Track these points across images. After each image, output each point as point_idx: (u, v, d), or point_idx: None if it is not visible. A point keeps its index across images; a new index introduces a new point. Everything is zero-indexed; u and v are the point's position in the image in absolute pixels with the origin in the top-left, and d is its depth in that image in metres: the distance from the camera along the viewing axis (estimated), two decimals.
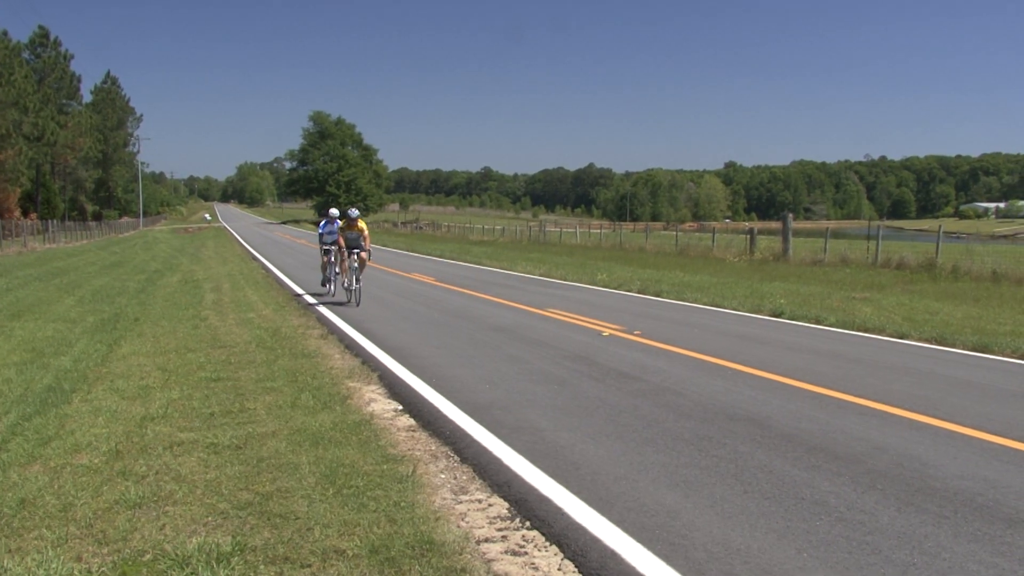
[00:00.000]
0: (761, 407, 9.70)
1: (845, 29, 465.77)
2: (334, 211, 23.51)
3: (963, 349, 14.33)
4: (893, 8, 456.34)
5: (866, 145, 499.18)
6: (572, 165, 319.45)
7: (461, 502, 6.61)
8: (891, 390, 10.68)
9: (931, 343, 14.96)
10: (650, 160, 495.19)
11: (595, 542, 5.71)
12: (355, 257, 21.03)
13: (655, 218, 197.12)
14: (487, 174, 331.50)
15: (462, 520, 6.21)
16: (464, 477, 7.26)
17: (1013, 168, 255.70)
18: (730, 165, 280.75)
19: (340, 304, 20.78)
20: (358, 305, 20.21)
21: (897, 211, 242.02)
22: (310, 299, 22.37)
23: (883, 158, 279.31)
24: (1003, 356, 13.64)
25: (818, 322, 17.49)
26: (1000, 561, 5.42)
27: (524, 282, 28.65)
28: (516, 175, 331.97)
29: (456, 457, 7.85)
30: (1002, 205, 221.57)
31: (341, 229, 21.81)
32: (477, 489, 6.94)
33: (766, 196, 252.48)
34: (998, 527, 6.01)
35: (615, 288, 26.11)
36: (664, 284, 26.50)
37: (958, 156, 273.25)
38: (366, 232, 21.50)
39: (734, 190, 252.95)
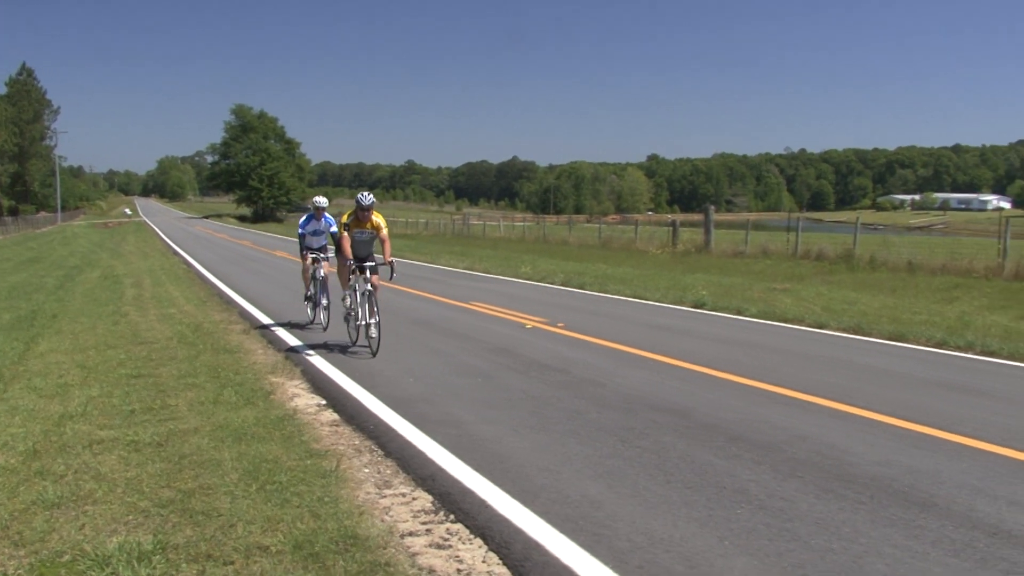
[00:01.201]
0: (684, 398, 9.80)
1: (762, 22, 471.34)
2: (321, 200, 16.10)
3: (880, 338, 14.61)
4: (806, 1, 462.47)
5: (786, 138, 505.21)
6: (496, 158, 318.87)
7: (385, 496, 6.60)
8: (810, 379, 10.86)
9: (849, 332, 15.24)
10: (574, 153, 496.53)
11: (519, 534, 5.73)
12: (367, 275, 13.02)
13: (579, 211, 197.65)
14: (411, 167, 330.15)
15: (386, 514, 6.19)
16: (388, 471, 7.24)
17: (928, 161, 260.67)
18: (653, 158, 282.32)
19: (344, 347, 13.36)
20: (375, 355, 12.52)
21: (816, 203, 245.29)
22: (284, 334, 14.75)
23: (803, 151, 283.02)
24: (918, 344, 13.94)
25: (739, 313, 17.71)
26: (914, 544, 5.55)
27: (447, 275, 28.63)
28: (440, 168, 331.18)
29: (380, 451, 7.83)
30: (917, 197, 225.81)
31: (346, 225, 13.21)
32: (401, 483, 6.93)
33: (688, 188, 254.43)
34: (912, 511, 6.15)
35: (539, 281, 26.22)
36: (587, 277, 26.66)
37: (875, 149, 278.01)
38: (385, 230, 13.25)
39: (657, 183, 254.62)
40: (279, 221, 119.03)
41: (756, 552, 5.41)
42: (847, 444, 7.90)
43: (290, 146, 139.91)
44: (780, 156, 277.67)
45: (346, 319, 13.81)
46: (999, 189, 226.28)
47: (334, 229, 15.58)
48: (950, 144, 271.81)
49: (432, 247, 48.23)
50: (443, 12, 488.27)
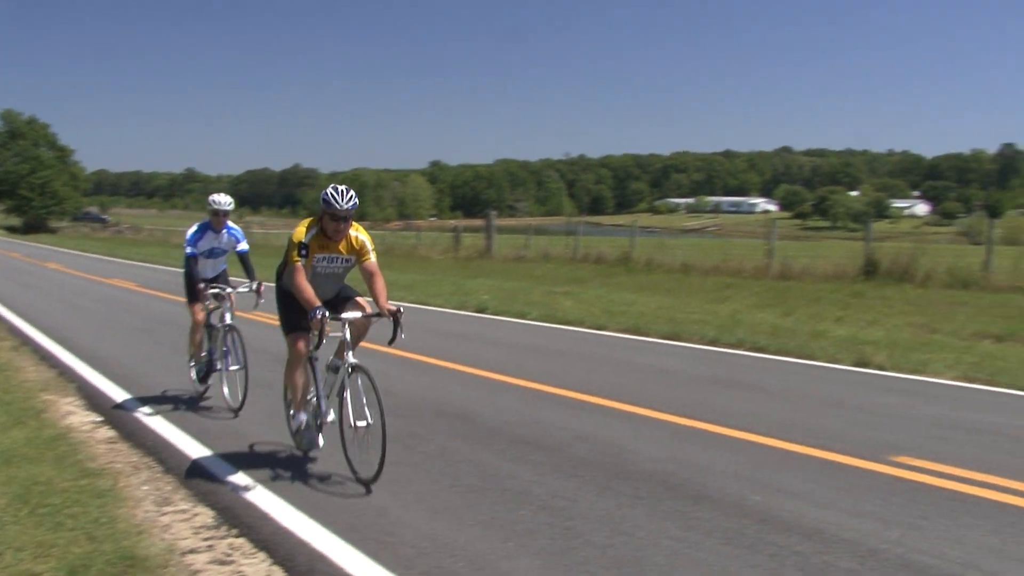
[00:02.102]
0: (468, 402, 9.90)
1: (542, 26, 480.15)
2: (221, 200, 10.18)
3: (657, 338, 15.09)
4: (585, 9, 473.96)
5: (566, 144, 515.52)
6: (278, 165, 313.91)
7: (165, 513, 6.42)
8: (591, 380, 11.13)
9: (628, 333, 15.67)
10: (356, 160, 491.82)
11: (303, 546, 5.67)
12: (345, 335, 7.32)
13: (362, 218, 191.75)
14: (191, 175, 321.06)
15: (166, 532, 6.03)
16: (168, 488, 7.05)
17: (701, 166, 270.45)
18: (435, 164, 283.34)
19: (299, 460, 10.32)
20: (369, 487, 6.85)
21: (596, 207, 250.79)
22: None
23: (582, 156, 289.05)
24: (692, 343, 14.47)
25: (522, 317, 17.98)
26: (689, 535, 5.78)
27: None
28: (220, 176, 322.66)
29: (159, 468, 7.61)
30: (691, 201, 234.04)
31: (302, 247, 7.24)
32: (182, 499, 6.76)
33: (471, 194, 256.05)
34: (686, 503, 6.40)
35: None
36: None
37: (651, 155, 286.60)
38: (372, 255, 7.55)
39: (439, 188, 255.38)
40: (52, 232, 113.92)
41: (540, 552, 5.52)
42: (626, 442, 8.15)
43: (63, 153, 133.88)
44: (560, 162, 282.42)
45: (298, 430, 7.76)
46: (766, 192, 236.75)
47: (242, 247, 10.42)
48: (721, 150, 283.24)
49: None
50: (216, 13, 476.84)
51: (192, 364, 10.50)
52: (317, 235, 7.29)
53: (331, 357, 7.49)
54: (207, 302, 10.18)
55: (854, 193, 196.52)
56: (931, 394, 10.47)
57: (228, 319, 9.93)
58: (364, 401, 6.95)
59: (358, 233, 7.47)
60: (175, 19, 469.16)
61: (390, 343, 7.14)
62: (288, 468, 7.41)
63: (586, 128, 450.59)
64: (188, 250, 10.15)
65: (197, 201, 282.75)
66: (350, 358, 7.18)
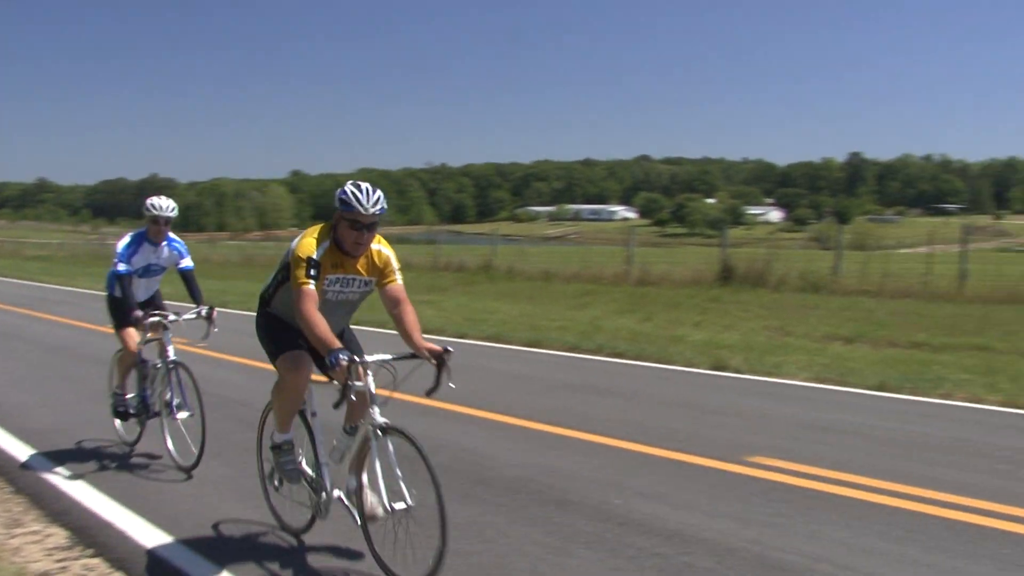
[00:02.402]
0: (324, 413, 9.77)
1: (396, 33, 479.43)
2: (161, 204, 8.49)
3: (519, 345, 15.19)
4: (438, 13, 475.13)
5: (428, 152, 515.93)
6: (134, 175, 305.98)
7: (15, 536, 6.17)
8: (450, 389, 11.10)
9: (490, 341, 15.73)
10: (216, 170, 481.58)
11: (162, 563, 5.54)
12: (359, 385, 5.42)
13: (221, 228, 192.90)
14: (42, 185, 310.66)
15: (16, 555, 5.80)
16: (18, 509, 6.78)
17: (561, 174, 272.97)
18: (296, 173, 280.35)
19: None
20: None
21: (458, 216, 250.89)
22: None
23: (444, 165, 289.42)
24: (552, 349, 14.61)
25: (382, 327, 17.86)
26: (551, 540, 5.81)
27: (84, 299, 27.18)
28: (75, 186, 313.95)
29: (9, 488, 7.33)
30: (552, 209, 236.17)
31: (311, 266, 5.34)
32: (33, 520, 6.50)
33: (332, 204, 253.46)
34: (549, 509, 6.44)
35: (179, 301, 25.41)
36: (230, 295, 26.07)
37: (513, 163, 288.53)
38: (398, 277, 5.79)
39: (300, 198, 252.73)
40: None
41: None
42: (487, 449, 8.18)
43: None
44: (422, 170, 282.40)
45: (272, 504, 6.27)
46: (626, 200, 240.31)
47: (186, 264, 8.77)
48: (581, 158, 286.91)
49: (68, 268, 45.74)
50: (63, 16, 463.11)
51: (118, 402, 8.53)
52: (330, 249, 5.48)
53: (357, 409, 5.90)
54: (133, 339, 8.33)
55: (711, 200, 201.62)
56: (785, 395, 10.77)
57: (172, 354, 7.98)
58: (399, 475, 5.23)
59: (381, 247, 5.68)
60: (20, 23, 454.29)
61: (430, 393, 5.46)
62: (146, 488, 7.22)
63: (448, 137, 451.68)
64: (120, 267, 8.20)
65: (49, 212, 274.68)
66: (377, 416, 5.39)
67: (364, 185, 5.40)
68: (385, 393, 5.40)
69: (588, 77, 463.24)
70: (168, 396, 7.96)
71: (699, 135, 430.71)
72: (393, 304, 5.64)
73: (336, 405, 5.24)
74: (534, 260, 32.69)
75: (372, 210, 5.28)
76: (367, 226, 5.34)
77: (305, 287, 5.25)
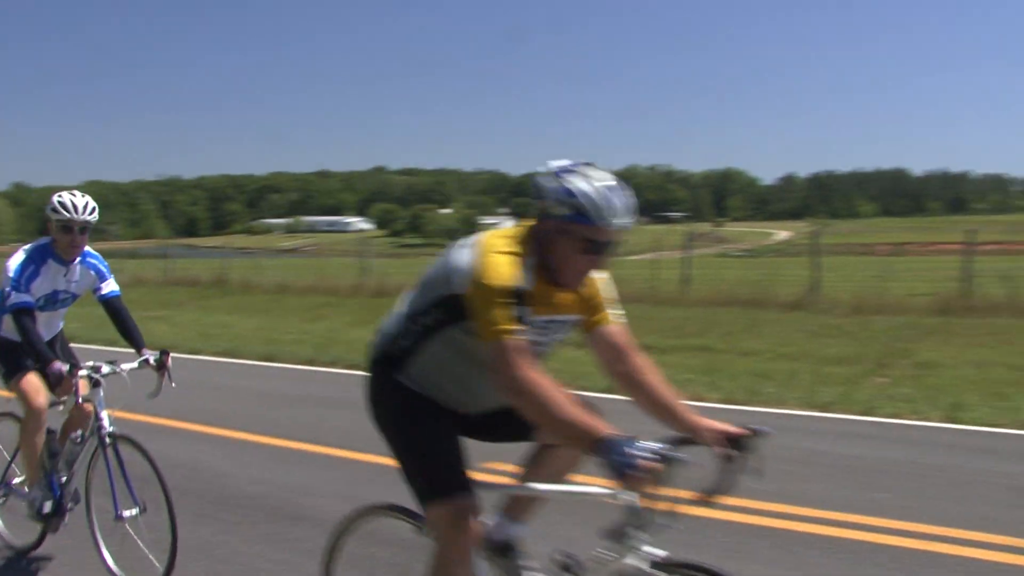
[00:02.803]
0: None
1: (120, 41, 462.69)
2: (76, 200, 5.44)
3: (254, 359, 15.01)
4: (165, 22, 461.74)
5: (159, 164, 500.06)
6: None
7: None
8: (180, 407, 10.74)
9: (225, 356, 15.47)
10: None
11: None
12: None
13: None
14: None
15: None
16: None
17: (296, 186, 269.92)
18: (18, 185, 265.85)
19: None
20: None
21: (191, 229, 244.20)
22: None
23: (176, 177, 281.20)
24: (288, 363, 14.50)
25: (113, 344, 17.25)
26: (288, 556, 5.79)
27: None
28: None
29: None
30: (288, 221, 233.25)
31: (515, 297, 3.22)
32: None
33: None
34: (285, 525, 6.42)
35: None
36: None
37: (247, 175, 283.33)
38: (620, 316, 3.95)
39: (24, 212, 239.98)
40: None
41: None
42: (222, 467, 8.08)
43: None
44: (154, 183, 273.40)
45: None
46: (362, 211, 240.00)
47: (110, 289, 5.95)
48: (317, 169, 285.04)
49: None
50: None
51: (30, 494, 5.83)
52: (539, 277, 3.39)
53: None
54: (39, 397, 5.68)
55: (446, 211, 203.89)
56: None
57: (107, 423, 5.45)
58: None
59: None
60: None
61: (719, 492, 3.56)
62: None
63: (180, 148, 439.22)
64: (14, 297, 5.41)
65: None
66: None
67: (593, 165, 3.64)
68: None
69: (320, 87, 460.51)
70: (109, 486, 5.31)
71: (434, 146, 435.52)
72: (615, 355, 3.89)
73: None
74: (269, 273, 32.28)
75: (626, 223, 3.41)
76: (606, 244, 3.40)
77: (508, 340, 3.18)
